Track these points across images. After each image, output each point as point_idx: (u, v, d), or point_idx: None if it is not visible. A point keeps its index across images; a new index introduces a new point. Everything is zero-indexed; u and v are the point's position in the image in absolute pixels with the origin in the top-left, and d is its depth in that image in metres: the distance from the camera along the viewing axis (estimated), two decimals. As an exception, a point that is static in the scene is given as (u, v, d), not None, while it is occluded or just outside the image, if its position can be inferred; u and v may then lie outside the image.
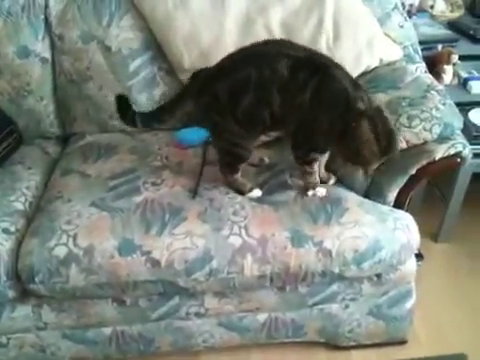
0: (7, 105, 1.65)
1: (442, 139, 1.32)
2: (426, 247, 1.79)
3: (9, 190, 1.44)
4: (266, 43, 1.26)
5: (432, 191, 2.00)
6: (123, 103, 1.33)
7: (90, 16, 1.60)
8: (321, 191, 1.34)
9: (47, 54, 1.64)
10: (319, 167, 1.38)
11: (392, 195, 1.36)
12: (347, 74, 1.23)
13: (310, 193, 1.33)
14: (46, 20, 1.62)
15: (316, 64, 1.21)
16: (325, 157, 1.39)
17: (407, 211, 1.37)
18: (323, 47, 1.53)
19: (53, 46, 1.64)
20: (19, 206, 1.39)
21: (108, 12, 1.60)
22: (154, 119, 1.36)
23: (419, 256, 1.48)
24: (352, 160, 1.23)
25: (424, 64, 1.63)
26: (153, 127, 1.38)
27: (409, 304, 1.48)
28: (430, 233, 1.97)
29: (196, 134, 1.55)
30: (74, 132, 1.72)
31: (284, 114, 1.23)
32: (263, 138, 1.46)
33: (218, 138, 1.34)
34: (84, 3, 1.61)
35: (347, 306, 1.44)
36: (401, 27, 1.69)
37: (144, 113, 1.36)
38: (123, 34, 1.61)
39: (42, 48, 1.63)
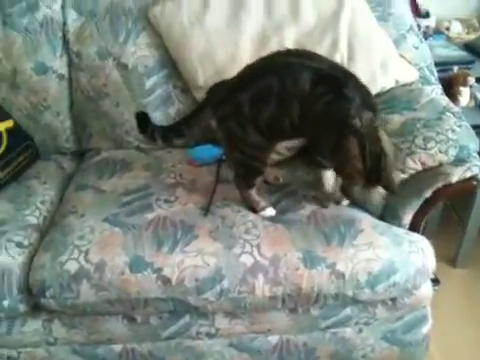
0: (24, 120, 1.67)
1: (458, 162, 1.30)
2: (444, 272, 1.75)
3: (24, 204, 1.45)
4: (288, 54, 1.26)
5: (449, 214, 1.97)
6: (143, 119, 1.35)
7: (107, 33, 1.62)
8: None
9: (64, 71, 1.67)
10: (333, 186, 1.37)
11: (407, 218, 1.34)
12: (361, 91, 1.22)
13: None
14: (64, 37, 1.65)
15: (335, 80, 1.21)
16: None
17: (423, 234, 1.34)
18: (338, 67, 1.53)
19: (70, 63, 1.66)
20: (33, 220, 1.40)
21: (124, 29, 1.62)
22: (173, 133, 1.37)
23: (435, 281, 1.45)
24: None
25: (440, 86, 1.62)
26: (172, 141, 1.38)
27: (425, 330, 1.44)
28: (448, 258, 1.93)
29: (210, 152, 1.55)
30: (90, 148, 1.74)
31: (302, 123, 1.24)
32: (275, 157, 1.46)
33: (234, 149, 1.33)
34: (101, 20, 1.63)
35: (361, 330, 1.40)
36: (416, 48, 1.68)
37: (163, 127, 1.38)
38: (139, 52, 1.62)
39: (60, 65, 1.66)
